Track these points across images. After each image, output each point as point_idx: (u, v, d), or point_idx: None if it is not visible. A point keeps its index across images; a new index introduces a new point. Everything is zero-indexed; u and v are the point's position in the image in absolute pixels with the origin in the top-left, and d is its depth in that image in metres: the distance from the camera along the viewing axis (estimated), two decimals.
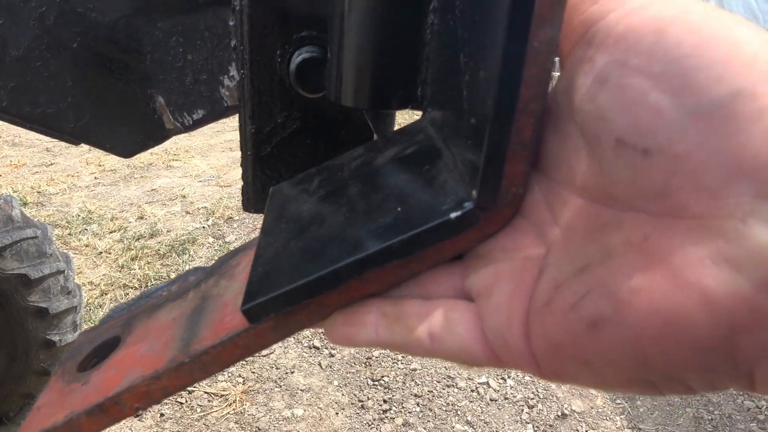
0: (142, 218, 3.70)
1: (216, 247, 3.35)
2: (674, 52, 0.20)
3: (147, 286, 2.95)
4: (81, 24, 0.44)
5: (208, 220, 3.71)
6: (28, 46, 0.44)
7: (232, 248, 3.34)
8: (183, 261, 3.19)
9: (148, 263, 3.15)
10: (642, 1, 0.22)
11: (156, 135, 0.49)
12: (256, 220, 3.70)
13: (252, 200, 0.48)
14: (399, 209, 0.29)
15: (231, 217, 3.75)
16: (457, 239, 0.27)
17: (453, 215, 0.26)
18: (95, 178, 4.28)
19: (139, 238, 3.42)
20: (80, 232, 3.46)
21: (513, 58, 0.24)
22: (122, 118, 0.48)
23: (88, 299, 2.77)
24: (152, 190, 4.14)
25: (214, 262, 0.40)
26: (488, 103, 0.25)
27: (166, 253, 3.27)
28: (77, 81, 0.46)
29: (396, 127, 0.45)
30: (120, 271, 3.07)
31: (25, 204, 3.65)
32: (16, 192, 3.91)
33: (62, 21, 0.44)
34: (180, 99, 0.47)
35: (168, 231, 3.54)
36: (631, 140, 0.21)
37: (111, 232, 3.49)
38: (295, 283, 0.28)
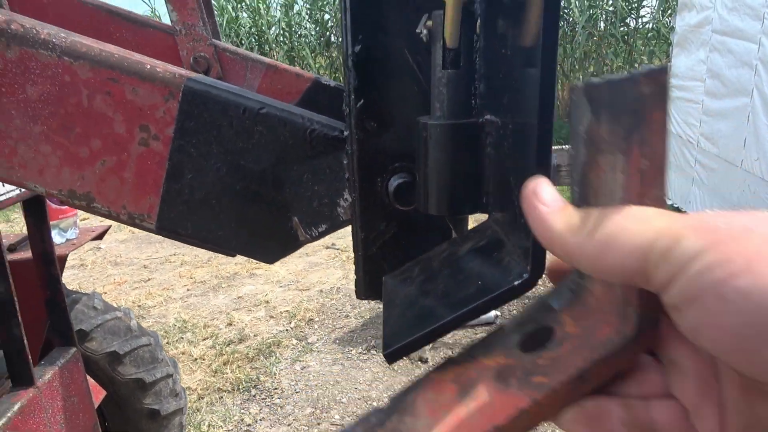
0: (231, 324, 3.95)
1: (299, 348, 3.51)
2: (744, 333, 0.24)
3: (239, 388, 3.11)
4: (243, 172, 0.63)
5: (290, 322, 3.90)
6: (208, 191, 0.64)
7: (314, 349, 3.49)
8: (270, 363, 3.36)
9: (239, 367, 3.34)
10: (714, 255, 0.25)
11: (291, 245, 0.66)
12: (335, 321, 3.86)
13: (363, 290, 0.64)
14: (479, 283, 0.43)
15: (312, 319, 3.93)
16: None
17: (516, 283, 0.40)
18: (187, 289, 4.63)
19: (229, 344, 3.64)
20: (177, 340, 3.73)
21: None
22: (268, 234, 0.65)
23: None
24: (238, 297, 4.42)
25: (387, 402, 0.43)
26: None
27: (254, 356, 3.46)
28: (239, 211, 0.64)
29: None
30: (214, 376, 3.26)
31: None
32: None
33: (231, 171, 0.63)
34: (309, 218, 0.64)
35: (255, 335, 3.75)
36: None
37: (204, 339, 3.73)
38: (415, 335, 0.42)
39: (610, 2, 11.19)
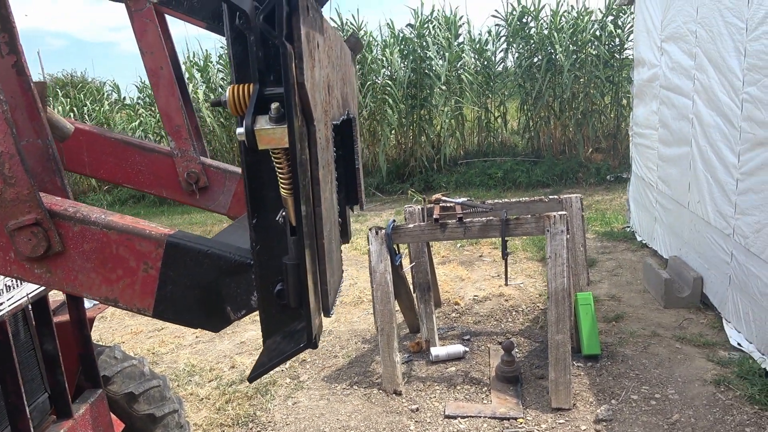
0: (233, 367, 4.45)
1: (292, 386, 3.99)
2: None
3: (238, 423, 3.59)
4: (198, 283, 1.17)
5: (285, 363, 4.39)
6: (180, 294, 1.17)
7: (305, 386, 3.98)
8: (266, 400, 3.84)
9: (239, 404, 3.82)
10: None
11: (226, 321, 1.19)
12: (325, 361, 4.35)
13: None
14: (292, 344, 0.95)
15: (304, 360, 4.42)
16: None
17: (301, 345, 0.93)
18: (196, 337, 5.15)
19: (231, 384, 4.13)
20: (186, 382, 4.23)
21: None
22: (213, 316, 1.18)
23: None
24: (241, 342, 4.93)
25: None
26: None
27: (253, 395, 3.94)
28: (197, 305, 1.18)
29: None
30: (217, 413, 3.75)
31: None
32: (136, 354, 4.82)
33: (191, 284, 1.17)
34: (235, 306, 1.17)
35: None
36: None
37: (209, 381, 4.23)
38: (259, 371, 0.94)
39: (593, 48, 11.93)
